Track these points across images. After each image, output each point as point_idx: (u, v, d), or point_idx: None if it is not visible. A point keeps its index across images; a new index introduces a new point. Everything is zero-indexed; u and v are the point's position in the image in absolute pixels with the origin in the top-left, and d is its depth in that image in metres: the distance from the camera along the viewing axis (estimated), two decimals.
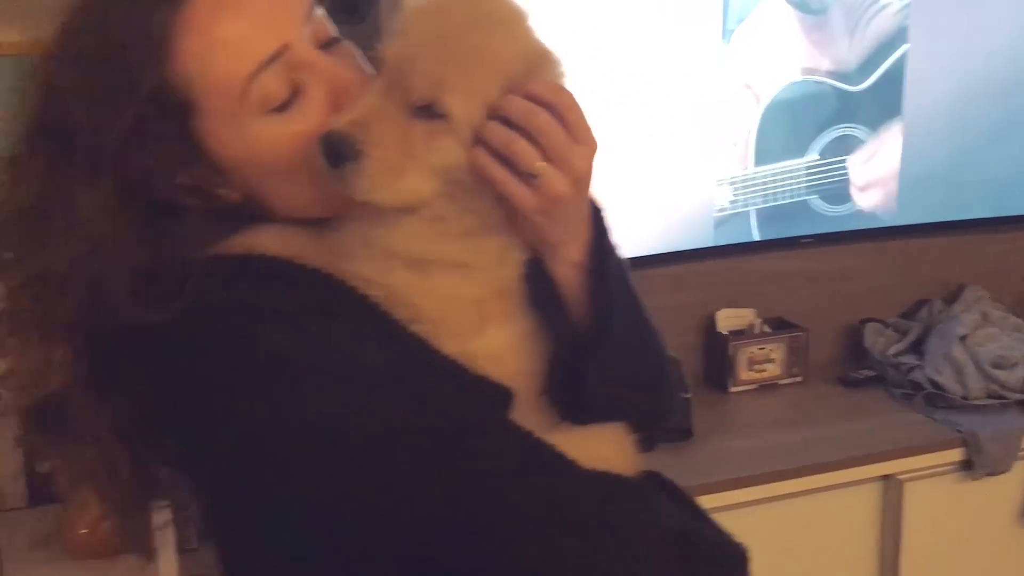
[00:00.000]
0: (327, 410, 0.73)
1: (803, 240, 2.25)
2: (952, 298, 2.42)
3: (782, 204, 2.20)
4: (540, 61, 0.79)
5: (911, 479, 1.98)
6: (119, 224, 0.77)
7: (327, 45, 0.82)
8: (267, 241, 0.80)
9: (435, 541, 0.74)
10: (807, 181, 2.21)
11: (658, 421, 0.93)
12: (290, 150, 0.79)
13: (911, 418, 2.09)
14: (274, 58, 0.77)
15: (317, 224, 0.83)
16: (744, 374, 2.21)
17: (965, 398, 2.10)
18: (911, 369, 2.20)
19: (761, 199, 2.17)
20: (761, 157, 2.15)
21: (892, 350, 2.27)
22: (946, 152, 2.31)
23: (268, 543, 0.81)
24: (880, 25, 2.17)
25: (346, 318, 0.77)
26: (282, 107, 0.78)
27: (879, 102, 2.22)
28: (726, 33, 2.06)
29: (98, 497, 0.86)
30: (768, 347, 2.24)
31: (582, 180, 0.79)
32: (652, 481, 0.86)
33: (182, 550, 1.56)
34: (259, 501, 0.79)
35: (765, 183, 2.17)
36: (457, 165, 0.77)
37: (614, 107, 1.94)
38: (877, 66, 2.19)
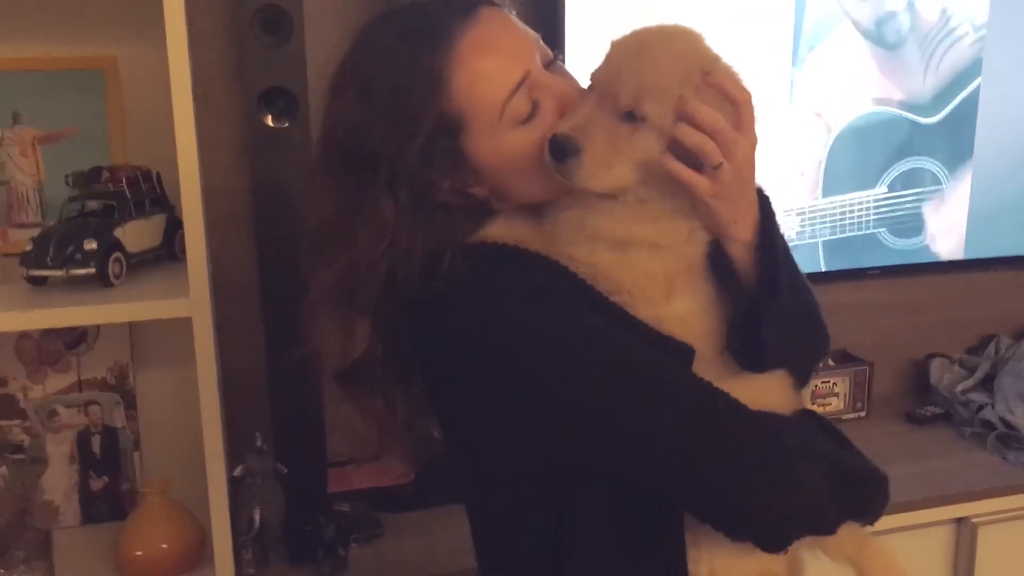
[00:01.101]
0: (555, 362, 0.93)
1: (870, 272, 2.20)
2: (1020, 334, 2.37)
3: (850, 236, 2.15)
4: (712, 65, 0.98)
5: (985, 523, 1.92)
6: (411, 224, 0.97)
7: (548, 65, 1.03)
8: (498, 232, 1.01)
9: (636, 465, 0.94)
10: (875, 213, 2.16)
11: (817, 361, 1.15)
12: (532, 152, 1.00)
13: (983, 458, 2.03)
14: (520, 84, 0.98)
15: (535, 215, 1.03)
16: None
17: None
18: (981, 407, 2.14)
19: (828, 230, 2.13)
20: (829, 188, 2.11)
21: (960, 387, 2.21)
22: (1017, 186, 2.26)
23: (508, 468, 1.01)
24: (954, 57, 2.12)
25: (563, 291, 0.96)
26: (526, 120, 0.99)
27: (951, 135, 2.17)
28: (797, 60, 2.02)
29: (380, 432, 1.10)
30: (832, 380, 2.19)
31: (744, 168, 0.96)
32: (809, 418, 1.06)
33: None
34: (503, 434, 0.99)
35: (833, 215, 2.12)
36: (655, 157, 0.96)
37: None
38: (951, 99, 2.15)
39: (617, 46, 1.01)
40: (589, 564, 1.00)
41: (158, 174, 1.64)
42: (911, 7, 2.07)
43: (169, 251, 1.62)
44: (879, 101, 2.10)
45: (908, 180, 2.17)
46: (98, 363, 1.77)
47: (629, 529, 1.00)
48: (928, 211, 2.20)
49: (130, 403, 1.79)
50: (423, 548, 1.69)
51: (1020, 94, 2.20)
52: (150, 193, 1.60)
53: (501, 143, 1.00)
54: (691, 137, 0.94)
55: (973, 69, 2.14)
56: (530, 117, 1.00)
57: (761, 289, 1.00)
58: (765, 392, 1.01)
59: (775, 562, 1.02)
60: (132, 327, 1.76)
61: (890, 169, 2.15)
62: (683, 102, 0.94)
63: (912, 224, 2.20)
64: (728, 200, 0.97)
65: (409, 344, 1.02)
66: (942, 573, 1.95)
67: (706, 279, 1.01)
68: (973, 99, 2.16)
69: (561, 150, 0.97)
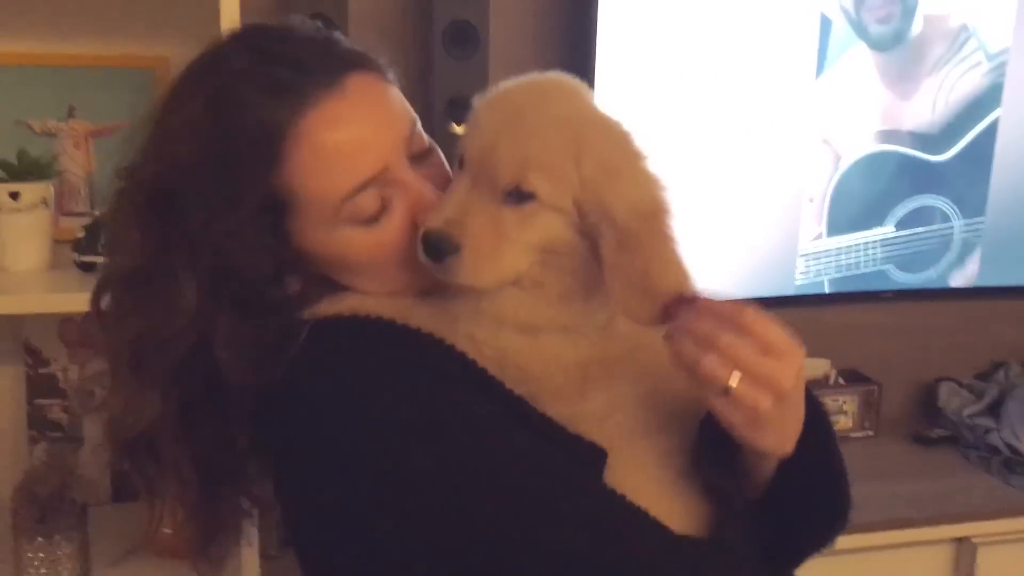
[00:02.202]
0: (427, 459, 0.77)
1: (883, 295, 2.25)
2: None
3: (857, 275, 2.19)
4: (604, 126, 0.85)
5: (985, 543, 1.96)
6: (214, 301, 0.83)
7: (421, 155, 0.89)
8: (375, 305, 0.87)
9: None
10: (883, 251, 2.20)
11: (822, 546, 0.93)
12: (370, 254, 0.86)
13: (986, 481, 2.07)
14: (371, 181, 0.84)
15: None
16: None
17: None
18: (987, 432, 2.18)
19: (834, 270, 2.17)
20: (834, 227, 2.14)
21: (967, 411, 2.25)
22: None
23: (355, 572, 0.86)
24: (967, 85, 2.15)
25: (451, 376, 0.82)
26: (370, 220, 0.85)
27: (965, 172, 2.20)
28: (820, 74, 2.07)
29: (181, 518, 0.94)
30: (841, 399, 2.23)
31: (787, 393, 0.76)
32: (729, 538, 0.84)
33: (264, 555, 1.59)
34: (350, 537, 0.83)
35: (838, 255, 2.17)
36: (554, 238, 0.83)
37: (708, 143, 1.97)
38: (964, 133, 2.18)
39: (486, 110, 0.85)
40: None
41: None
42: (922, 24, 2.10)
43: None
44: (888, 136, 2.13)
45: (917, 218, 2.20)
46: None
47: None
48: (937, 248, 2.24)
49: None
50: None
51: None
52: None
53: (333, 238, 0.86)
54: (687, 351, 0.76)
55: (990, 99, 2.18)
56: (373, 219, 0.85)
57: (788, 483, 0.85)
58: (691, 506, 0.83)
59: None
60: None
61: (898, 206, 2.19)
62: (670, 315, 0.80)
63: (921, 261, 2.24)
64: (767, 429, 0.78)
65: (249, 429, 0.88)
66: None
67: (635, 372, 0.86)
68: (990, 133, 2.19)
69: (437, 249, 0.83)
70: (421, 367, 0.82)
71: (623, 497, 0.79)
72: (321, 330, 0.85)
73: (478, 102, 0.87)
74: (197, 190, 0.82)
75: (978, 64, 2.16)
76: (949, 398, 2.31)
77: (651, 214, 0.83)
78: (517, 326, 0.85)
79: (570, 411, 0.83)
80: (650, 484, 0.82)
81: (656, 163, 0.86)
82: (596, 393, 0.84)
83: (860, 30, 2.07)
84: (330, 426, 0.80)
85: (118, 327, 0.87)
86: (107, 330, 0.88)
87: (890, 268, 2.22)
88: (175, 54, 1.76)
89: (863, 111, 2.12)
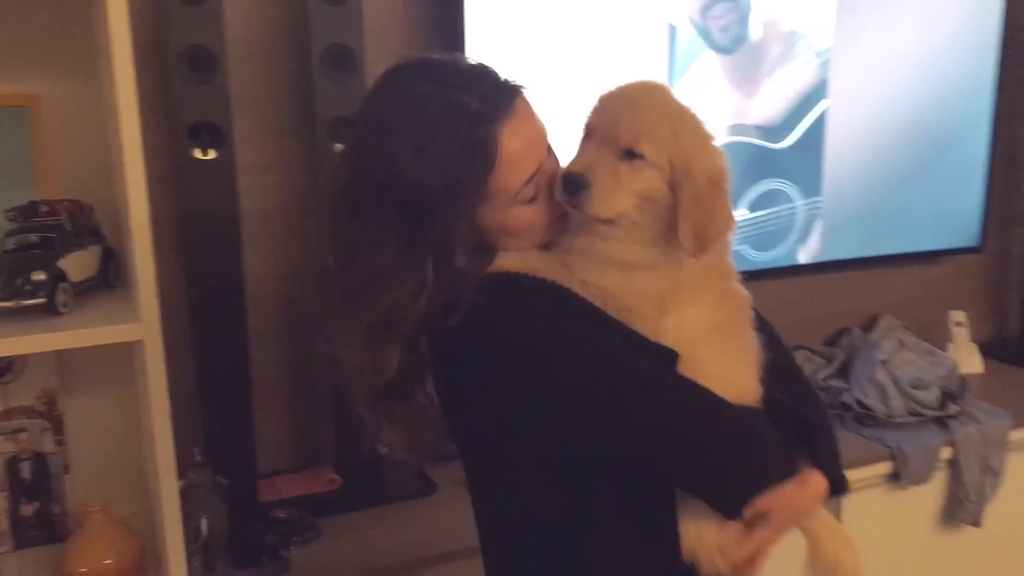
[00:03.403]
0: (565, 374, 1.09)
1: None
2: (869, 327, 2.68)
3: None
4: (691, 112, 1.19)
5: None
6: (442, 280, 1.12)
7: (547, 151, 1.20)
8: (512, 262, 1.18)
9: (635, 453, 1.12)
10: (738, 233, 2.39)
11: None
12: (529, 223, 1.17)
13: (843, 436, 2.25)
14: (535, 174, 1.15)
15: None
16: None
17: (889, 416, 2.32)
18: (839, 392, 2.42)
19: None
20: None
21: (821, 375, 2.49)
22: (862, 195, 2.56)
23: (524, 464, 1.17)
24: (800, 81, 2.39)
25: (571, 313, 1.13)
26: (532, 200, 1.16)
27: (803, 157, 2.44)
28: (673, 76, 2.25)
29: (406, 441, 1.22)
30: None
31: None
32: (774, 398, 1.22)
33: None
34: (522, 435, 1.15)
35: None
36: (652, 187, 1.15)
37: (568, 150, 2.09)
38: (799, 121, 2.42)
39: (608, 99, 1.19)
40: (599, 535, 1.16)
41: (91, 206, 1.71)
42: (759, 30, 2.32)
43: (105, 280, 1.69)
44: (736, 129, 2.35)
45: (765, 200, 2.43)
46: (26, 391, 1.81)
47: (632, 503, 1.16)
48: (784, 226, 2.47)
49: (58, 429, 1.84)
50: (359, 546, 1.82)
51: (861, 112, 2.50)
52: (86, 225, 1.67)
53: (506, 216, 1.15)
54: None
55: (818, 92, 2.43)
56: (533, 199, 1.16)
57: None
58: (739, 384, 1.19)
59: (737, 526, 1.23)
60: (59, 356, 1.81)
61: (748, 191, 2.40)
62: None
63: (771, 240, 2.47)
64: None
65: (432, 364, 1.17)
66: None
67: (697, 297, 1.19)
68: (822, 117, 2.43)
69: (574, 185, 1.14)
70: (557, 309, 1.13)
71: (692, 381, 1.13)
72: (485, 286, 1.14)
73: (602, 95, 1.19)
74: (443, 200, 1.08)
75: (808, 62, 2.40)
76: (803, 365, 2.54)
77: (717, 179, 1.16)
78: (618, 265, 1.16)
79: (653, 328, 1.16)
80: (711, 374, 1.15)
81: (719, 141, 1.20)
82: (670, 315, 1.16)
83: (706, 36, 2.26)
84: (499, 354, 1.11)
85: (371, 301, 1.10)
86: (356, 306, 1.12)
87: (745, 248, 2.43)
88: (48, 91, 1.75)
89: (714, 109, 2.31)
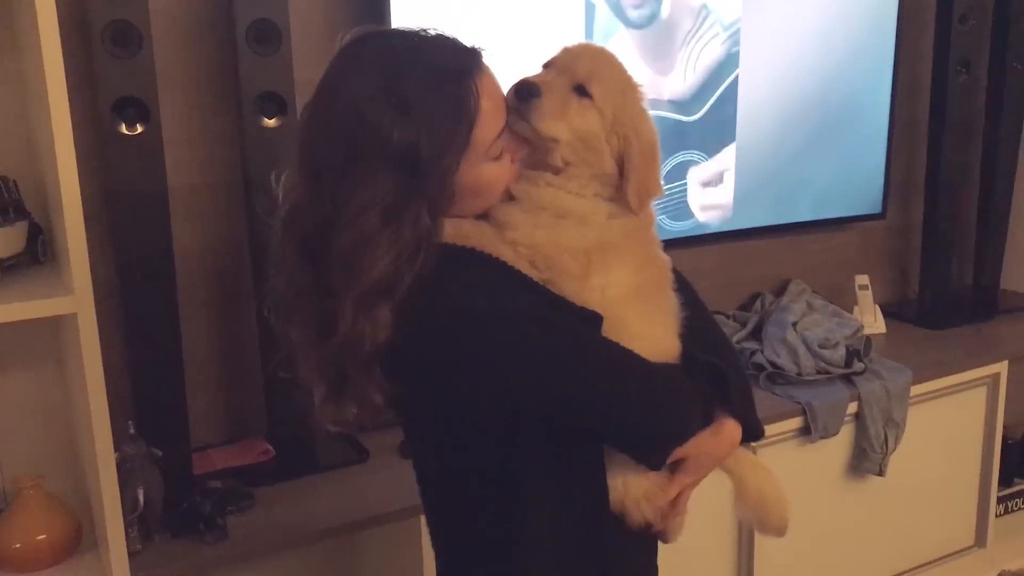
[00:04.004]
0: (498, 338, 1.14)
1: None
2: (780, 291, 2.80)
3: None
4: (638, 87, 1.26)
5: (762, 445, 2.28)
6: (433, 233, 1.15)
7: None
8: (449, 231, 1.17)
9: (566, 412, 1.18)
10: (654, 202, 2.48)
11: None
12: (494, 181, 1.20)
13: (757, 394, 2.31)
14: (503, 130, 1.18)
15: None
16: None
17: (799, 375, 2.45)
18: (753, 353, 2.53)
19: None
20: None
21: (735, 338, 2.60)
22: (772, 164, 2.67)
23: (467, 424, 1.21)
24: (710, 54, 2.48)
25: (501, 280, 1.18)
26: (497, 159, 1.19)
27: (714, 128, 2.54)
28: None
29: (381, 405, 1.20)
30: None
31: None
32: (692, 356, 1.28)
33: (130, 551, 1.63)
34: (464, 398, 1.19)
35: None
36: (592, 130, 1.21)
37: None
38: (710, 95, 2.51)
39: (575, 46, 1.26)
40: (532, 489, 1.21)
41: (15, 182, 1.70)
42: (670, 6, 2.40)
43: (32, 256, 1.69)
44: (652, 104, 2.41)
45: (679, 172, 2.52)
46: None
47: (562, 457, 1.22)
48: (698, 196, 2.57)
49: None
50: (294, 512, 1.85)
51: (770, 84, 2.61)
52: (11, 201, 1.66)
53: (477, 174, 1.17)
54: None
55: (729, 64, 2.52)
56: (499, 156, 1.19)
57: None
58: (659, 342, 1.25)
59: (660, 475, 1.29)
60: None
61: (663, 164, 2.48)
62: None
63: (685, 209, 2.57)
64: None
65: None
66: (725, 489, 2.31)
67: (622, 257, 1.24)
68: (732, 90, 2.53)
69: (526, 92, 1.19)
70: (483, 278, 1.17)
71: (615, 343, 1.18)
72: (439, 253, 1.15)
73: (567, 45, 1.26)
74: (435, 151, 1.10)
75: (717, 35, 2.49)
76: None
77: (654, 146, 1.25)
78: (550, 213, 1.21)
79: (579, 287, 1.20)
80: (633, 333, 1.21)
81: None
82: (596, 275, 1.21)
83: (620, 14, 2.34)
84: (431, 321, 1.13)
85: (372, 261, 1.11)
86: (363, 270, 1.11)
87: (663, 219, 2.52)
88: None
89: None
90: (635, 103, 1.24)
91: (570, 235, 1.21)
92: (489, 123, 1.16)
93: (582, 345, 1.18)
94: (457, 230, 1.19)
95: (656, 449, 1.22)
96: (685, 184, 2.54)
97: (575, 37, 2.22)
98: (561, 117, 1.20)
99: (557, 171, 1.22)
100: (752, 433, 1.33)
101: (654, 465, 1.24)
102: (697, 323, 1.33)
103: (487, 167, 1.19)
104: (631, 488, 1.27)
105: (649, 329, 1.25)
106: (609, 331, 1.20)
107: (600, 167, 1.23)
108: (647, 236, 1.30)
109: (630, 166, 1.22)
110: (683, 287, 1.34)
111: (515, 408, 1.19)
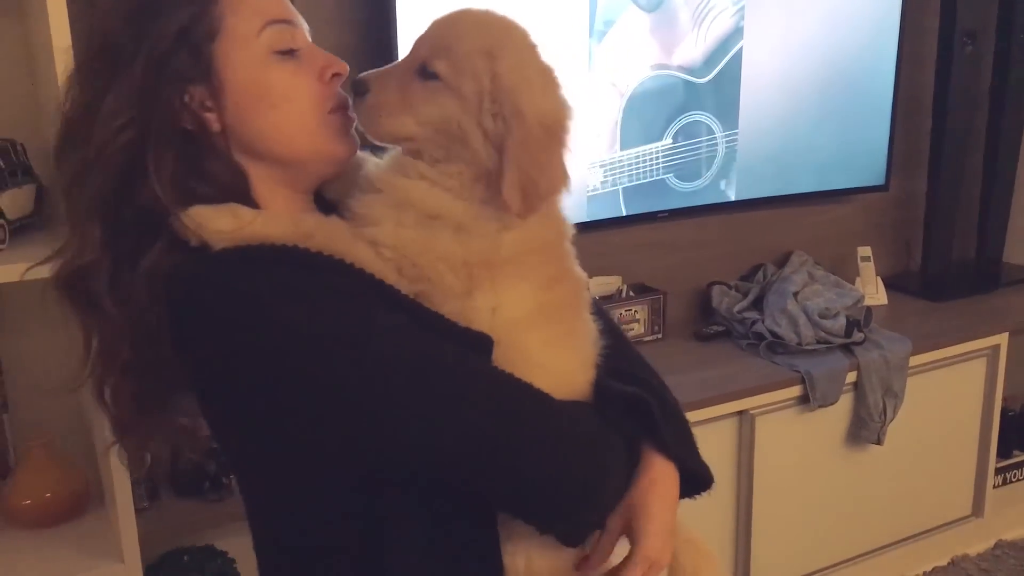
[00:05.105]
0: (342, 367, 0.88)
1: (659, 215, 2.56)
2: (782, 262, 2.81)
3: (644, 183, 2.49)
4: (522, 38, 1.00)
5: (761, 413, 2.33)
6: (151, 103, 0.94)
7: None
8: (284, 230, 0.95)
9: (441, 466, 0.91)
10: (664, 162, 2.51)
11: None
12: (284, 89, 0.98)
13: (757, 363, 2.44)
14: (283, 21, 0.99)
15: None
16: None
17: (799, 344, 2.46)
18: (753, 323, 2.55)
19: (627, 179, 2.47)
20: (625, 142, 2.44)
21: (736, 308, 2.62)
22: (775, 136, 2.67)
23: (309, 473, 0.96)
24: (719, 26, 2.50)
25: (355, 293, 0.92)
26: (284, 54, 0.98)
27: (721, 92, 2.55)
28: (595, 33, 2.32)
29: (95, 382, 1.02)
30: (633, 309, 2.53)
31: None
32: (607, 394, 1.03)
33: (137, 508, 1.66)
34: (286, 446, 0.94)
35: (630, 165, 2.46)
36: (447, 116, 0.96)
37: None
38: (719, 61, 2.53)
39: (434, 21, 1.01)
40: (403, 558, 0.96)
41: (22, 145, 1.72)
42: None
43: (41, 218, 1.71)
44: (660, 67, 2.45)
45: (688, 132, 2.54)
46: None
47: (441, 522, 0.96)
48: (705, 158, 2.59)
49: None
50: None
51: (774, 56, 2.60)
52: (19, 164, 1.68)
53: (262, 75, 0.97)
54: None
55: (736, 36, 2.53)
56: (287, 54, 0.98)
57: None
58: (569, 376, 1.01)
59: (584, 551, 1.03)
60: None
61: (673, 123, 2.51)
62: None
63: (694, 169, 2.58)
64: None
65: (158, 310, 0.94)
66: (730, 456, 2.35)
67: (520, 275, 0.99)
68: (737, 60, 2.54)
69: (358, 87, 0.99)
70: (329, 289, 0.91)
71: (509, 374, 0.94)
72: (235, 257, 0.92)
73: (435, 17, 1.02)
74: (131, 13, 0.95)
75: (725, 9, 2.50)
76: (721, 299, 2.67)
77: (553, 125, 0.97)
78: (420, 213, 0.96)
79: (460, 306, 0.96)
80: (533, 363, 0.97)
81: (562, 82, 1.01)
82: (483, 293, 0.97)
83: None
84: (256, 346, 0.89)
85: (69, 162, 0.97)
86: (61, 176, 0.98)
87: (670, 177, 2.53)
88: None
89: (641, 60, 2.41)
90: (519, 71, 0.96)
91: (444, 241, 0.96)
92: (244, 6, 0.97)
93: (462, 376, 0.91)
94: (297, 228, 0.94)
95: (561, 516, 0.96)
96: (695, 144, 2.54)
97: (578, 21, 2.26)
98: (398, 111, 0.97)
99: (433, 161, 0.99)
100: (697, 481, 1.05)
101: (566, 540, 0.98)
102: (619, 352, 1.08)
103: (275, 72, 0.98)
104: (536, 569, 1.00)
105: (556, 359, 1.00)
106: (502, 361, 0.95)
107: (476, 160, 0.97)
108: (557, 252, 1.04)
109: (507, 157, 0.94)
110: (599, 313, 1.10)
111: (367, 461, 0.93)
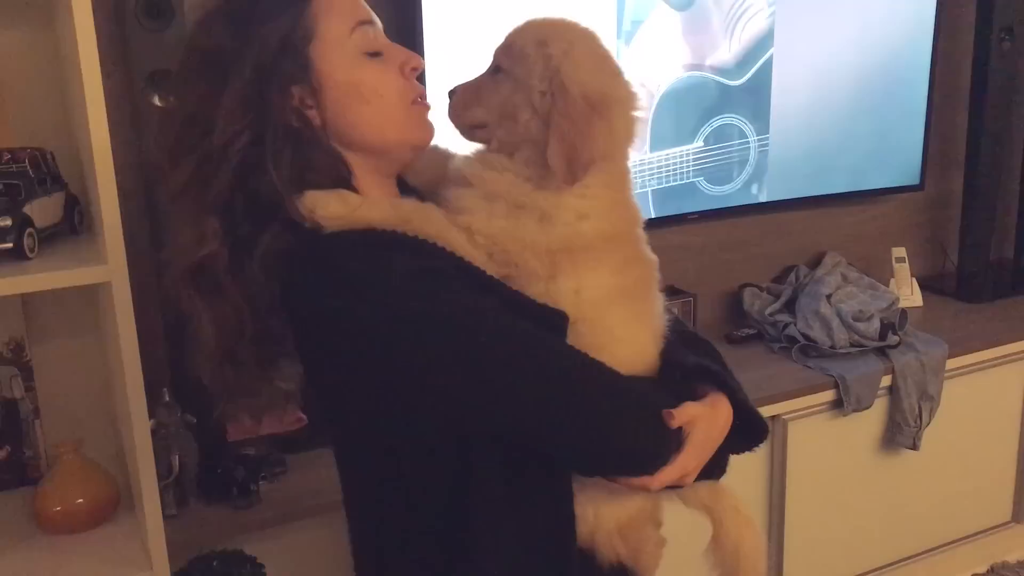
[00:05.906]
0: (438, 344, 0.98)
1: (690, 216, 2.53)
2: (815, 263, 2.78)
3: (673, 185, 2.47)
4: (576, 31, 1.12)
5: (794, 418, 2.29)
6: (261, 110, 1.03)
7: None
8: (384, 214, 1.04)
9: (516, 429, 1.01)
10: (694, 165, 2.48)
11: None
12: (373, 85, 1.08)
13: (789, 367, 2.41)
14: (368, 23, 1.10)
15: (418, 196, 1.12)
16: None
17: (832, 347, 2.43)
18: (785, 326, 2.52)
19: (656, 181, 2.44)
20: (655, 144, 2.42)
21: (768, 310, 2.59)
22: (809, 136, 2.64)
23: (392, 446, 1.06)
24: (752, 29, 2.46)
25: (448, 274, 1.02)
26: (373, 55, 1.09)
27: (755, 95, 2.52)
28: (623, 34, 2.30)
29: (222, 353, 1.09)
30: None
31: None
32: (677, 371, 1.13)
33: (165, 516, 1.67)
34: (387, 413, 1.04)
35: (659, 167, 2.43)
36: (506, 100, 1.08)
37: None
38: (752, 63, 2.49)
39: (518, 26, 1.15)
40: (487, 518, 1.05)
41: (52, 153, 1.73)
42: None
43: (70, 226, 1.72)
44: (692, 67, 2.42)
45: (720, 135, 2.51)
46: None
47: (520, 474, 1.05)
48: (737, 161, 2.55)
49: (27, 375, 1.88)
50: (325, 480, 1.87)
51: (806, 59, 2.57)
52: (48, 172, 1.69)
53: (354, 73, 1.07)
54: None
55: (769, 39, 2.49)
56: (375, 55, 1.09)
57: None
58: (645, 349, 1.12)
59: (647, 500, 1.15)
60: (25, 303, 1.84)
61: (704, 125, 2.48)
62: None
63: (725, 173, 2.55)
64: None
65: (277, 286, 1.05)
66: (762, 462, 2.32)
67: (598, 260, 1.08)
68: (769, 62, 2.51)
69: (448, 96, 1.14)
70: (425, 272, 1.00)
71: (579, 351, 1.03)
72: (348, 241, 1.02)
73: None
74: (239, 24, 1.04)
75: (760, 11, 2.46)
76: (752, 301, 2.64)
77: (596, 100, 1.05)
78: (508, 204, 1.06)
79: (545, 288, 1.06)
80: (615, 338, 1.08)
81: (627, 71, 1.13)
82: (566, 277, 1.06)
83: None
84: (362, 323, 0.98)
85: (185, 159, 1.04)
86: (173, 171, 1.05)
87: (700, 180, 2.51)
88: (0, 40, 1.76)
89: (672, 60, 2.39)
90: (569, 52, 1.06)
91: (530, 230, 1.06)
92: (334, 10, 1.07)
93: (540, 351, 1.01)
94: (398, 212, 1.05)
95: (626, 474, 1.06)
96: (726, 148, 2.52)
97: (606, 21, 2.24)
98: (472, 105, 1.12)
99: (511, 153, 1.09)
100: (755, 430, 1.17)
101: (649, 470, 1.06)
102: (682, 328, 1.21)
103: (366, 69, 1.08)
104: (604, 519, 1.12)
105: (635, 334, 1.11)
106: (589, 336, 1.05)
107: (526, 134, 1.07)
108: (630, 238, 1.14)
109: (551, 127, 1.04)
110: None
111: (460, 426, 1.04)
